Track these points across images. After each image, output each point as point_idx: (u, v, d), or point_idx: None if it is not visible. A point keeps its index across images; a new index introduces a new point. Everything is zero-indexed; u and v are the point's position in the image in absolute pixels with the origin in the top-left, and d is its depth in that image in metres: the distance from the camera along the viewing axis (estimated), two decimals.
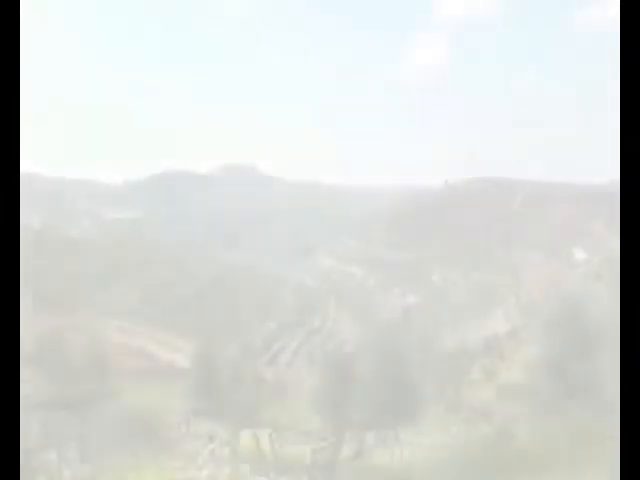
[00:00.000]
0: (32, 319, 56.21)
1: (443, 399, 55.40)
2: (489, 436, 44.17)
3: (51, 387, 53.24)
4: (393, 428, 47.66)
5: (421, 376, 54.49)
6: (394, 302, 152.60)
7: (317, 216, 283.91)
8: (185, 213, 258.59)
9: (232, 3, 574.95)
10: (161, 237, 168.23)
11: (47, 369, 54.98)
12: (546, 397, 46.98)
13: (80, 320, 76.77)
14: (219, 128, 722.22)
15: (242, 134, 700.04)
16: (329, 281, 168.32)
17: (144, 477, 41.16)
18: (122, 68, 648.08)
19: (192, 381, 57.31)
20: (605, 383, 40.99)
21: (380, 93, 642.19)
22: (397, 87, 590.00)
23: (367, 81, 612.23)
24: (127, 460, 42.79)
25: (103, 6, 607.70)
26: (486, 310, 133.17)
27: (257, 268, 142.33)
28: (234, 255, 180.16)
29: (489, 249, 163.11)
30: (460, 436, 45.96)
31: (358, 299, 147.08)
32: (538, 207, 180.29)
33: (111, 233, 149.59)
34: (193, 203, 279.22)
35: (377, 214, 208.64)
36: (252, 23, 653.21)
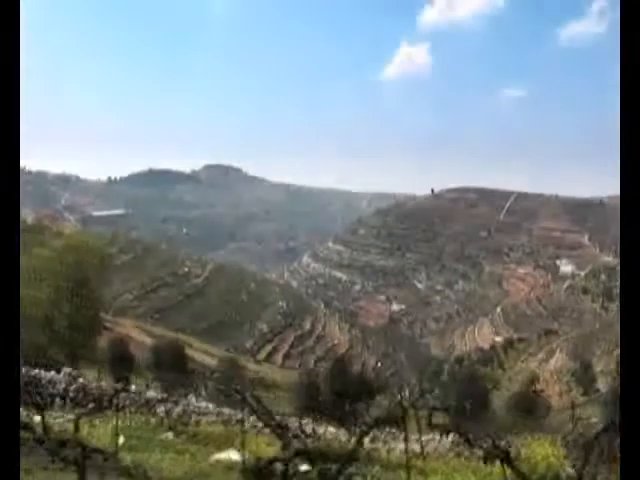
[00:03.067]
0: None
1: None
2: None
3: None
4: None
5: None
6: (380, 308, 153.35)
7: (303, 219, 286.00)
8: (169, 212, 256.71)
9: (215, 5, 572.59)
10: (146, 236, 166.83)
11: None
12: None
13: None
14: (204, 127, 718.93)
15: (227, 134, 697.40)
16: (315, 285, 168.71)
17: None
18: (106, 65, 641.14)
19: None
20: None
21: (363, 100, 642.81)
22: (379, 95, 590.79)
23: (350, 88, 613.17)
24: None
25: (87, 5, 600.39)
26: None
27: (243, 269, 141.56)
28: (219, 255, 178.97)
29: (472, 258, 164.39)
30: None
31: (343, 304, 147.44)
32: (523, 218, 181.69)
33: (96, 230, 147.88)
34: (177, 203, 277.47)
35: (361, 220, 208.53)
36: (238, 26, 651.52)
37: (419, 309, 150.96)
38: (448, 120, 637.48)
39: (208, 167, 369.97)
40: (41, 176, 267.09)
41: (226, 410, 16.58)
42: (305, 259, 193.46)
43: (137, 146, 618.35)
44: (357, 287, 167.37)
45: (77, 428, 7.05)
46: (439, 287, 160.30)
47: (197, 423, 14.76)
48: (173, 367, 24.62)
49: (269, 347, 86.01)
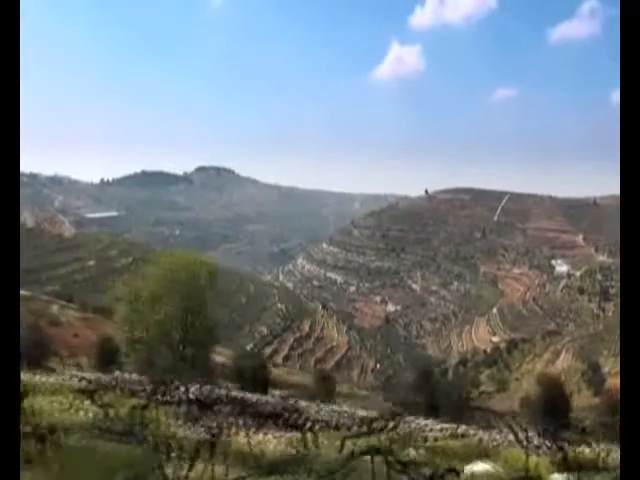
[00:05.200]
0: None
1: None
2: None
3: None
4: None
5: None
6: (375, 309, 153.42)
7: (295, 220, 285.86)
8: (162, 214, 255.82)
9: (209, 9, 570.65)
10: (139, 238, 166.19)
11: None
12: None
13: None
14: (196, 129, 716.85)
15: (219, 136, 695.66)
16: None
17: None
18: (99, 66, 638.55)
19: None
20: None
21: (354, 101, 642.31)
22: (371, 96, 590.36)
23: (341, 89, 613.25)
24: None
25: (82, 4, 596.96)
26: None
27: (238, 270, 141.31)
28: (212, 257, 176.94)
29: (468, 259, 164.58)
30: None
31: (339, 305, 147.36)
32: (517, 218, 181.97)
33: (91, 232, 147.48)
34: (169, 205, 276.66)
35: (355, 222, 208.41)
36: (232, 28, 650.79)
37: (415, 310, 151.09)
38: (440, 121, 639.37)
39: (200, 169, 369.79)
40: (34, 178, 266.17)
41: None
42: (300, 261, 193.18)
43: (130, 148, 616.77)
44: (352, 288, 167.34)
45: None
46: (434, 288, 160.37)
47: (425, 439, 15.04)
48: (254, 379, 24.61)
49: (269, 349, 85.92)
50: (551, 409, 24.36)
